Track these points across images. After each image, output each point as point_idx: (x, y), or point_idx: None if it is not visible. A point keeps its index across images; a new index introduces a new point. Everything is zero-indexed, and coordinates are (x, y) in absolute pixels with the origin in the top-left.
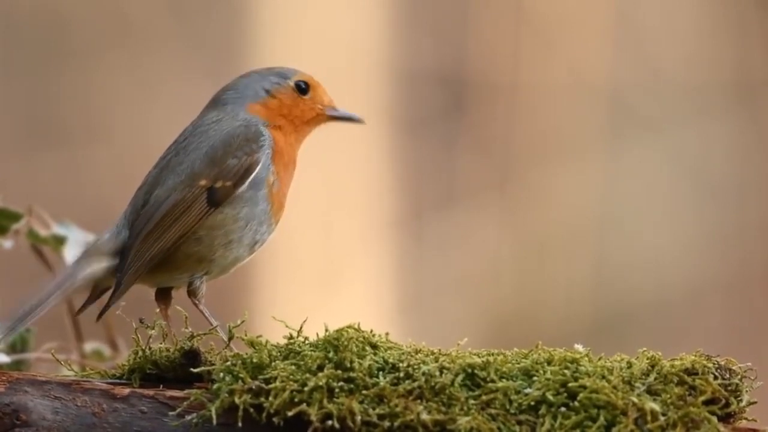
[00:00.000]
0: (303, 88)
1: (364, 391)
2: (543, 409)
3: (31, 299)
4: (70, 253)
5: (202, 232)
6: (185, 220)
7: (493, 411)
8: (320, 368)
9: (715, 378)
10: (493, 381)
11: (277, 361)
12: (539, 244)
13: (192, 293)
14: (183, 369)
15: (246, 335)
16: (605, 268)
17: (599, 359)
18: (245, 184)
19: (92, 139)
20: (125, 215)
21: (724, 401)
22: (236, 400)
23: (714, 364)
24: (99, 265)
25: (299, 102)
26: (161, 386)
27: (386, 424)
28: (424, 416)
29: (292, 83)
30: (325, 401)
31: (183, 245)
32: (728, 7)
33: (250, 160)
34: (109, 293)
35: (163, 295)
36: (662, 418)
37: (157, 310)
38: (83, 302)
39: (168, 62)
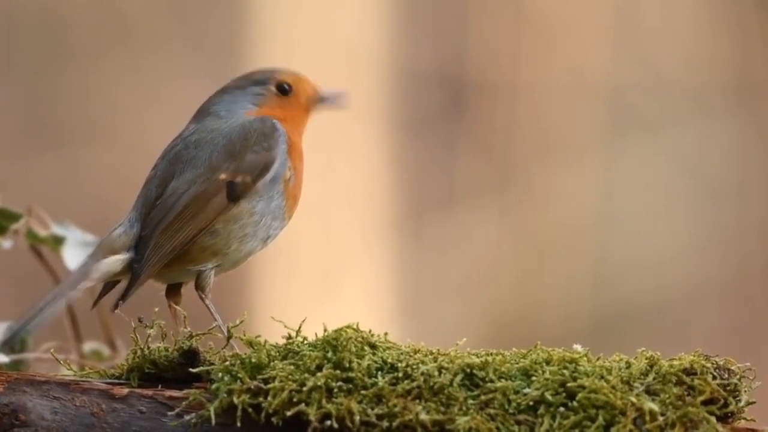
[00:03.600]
0: (286, 89)
1: (362, 391)
2: (542, 409)
3: (46, 295)
4: (69, 253)
5: (219, 225)
6: (205, 213)
7: (491, 411)
8: (319, 368)
9: (714, 378)
10: (491, 381)
11: (275, 361)
12: (539, 244)
13: (200, 287)
14: (182, 369)
15: (245, 335)
16: (605, 269)
17: (598, 359)
18: (265, 180)
19: (92, 139)
20: (136, 209)
21: (722, 401)
22: (235, 400)
23: (713, 364)
24: (115, 260)
25: (286, 103)
26: (160, 386)
27: (385, 424)
28: (423, 416)
29: (273, 88)
30: (323, 401)
31: (199, 238)
32: (728, 7)
33: (268, 156)
34: (118, 286)
35: (173, 292)
36: (661, 418)
37: (156, 309)
38: (96, 296)
39: (168, 62)
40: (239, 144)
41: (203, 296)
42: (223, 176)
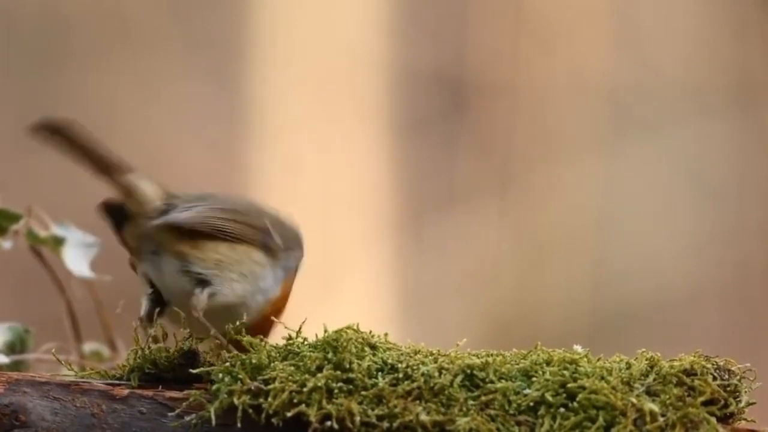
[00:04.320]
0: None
1: (363, 392)
2: (542, 410)
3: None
4: (70, 254)
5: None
6: (237, 227)
7: (492, 412)
8: (319, 369)
9: (714, 379)
10: (492, 382)
11: (276, 362)
12: (539, 244)
13: (192, 305)
14: (182, 369)
15: (245, 336)
16: (605, 269)
17: (598, 360)
18: (287, 260)
19: None
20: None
21: (723, 402)
22: (235, 400)
23: (713, 364)
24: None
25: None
26: (160, 387)
27: (385, 424)
28: (423, 417)
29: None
30: (324, 402)
31: (217, 246)
32: (728, 7)
33: (297, 249)
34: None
35: (148, 318)
36: (661, 419)
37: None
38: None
39: (168, 62)
40: (280, 224)
41: (195, 313)
42: (266, 222)
